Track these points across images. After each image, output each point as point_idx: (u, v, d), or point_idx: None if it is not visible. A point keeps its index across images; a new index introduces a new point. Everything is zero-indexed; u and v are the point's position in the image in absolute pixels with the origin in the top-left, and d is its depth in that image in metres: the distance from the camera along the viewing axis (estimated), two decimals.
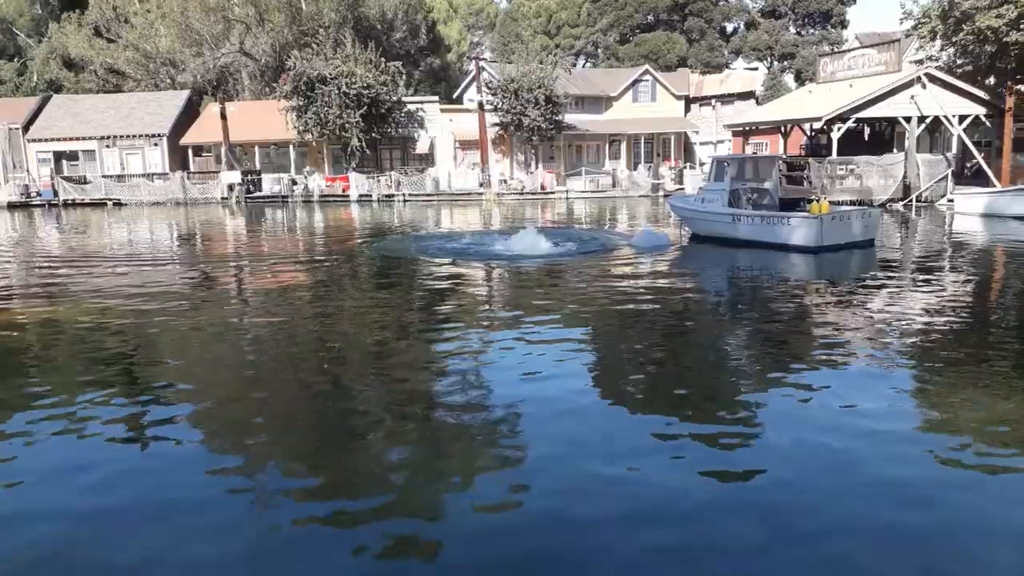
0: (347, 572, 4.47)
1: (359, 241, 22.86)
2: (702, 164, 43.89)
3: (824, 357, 8.78)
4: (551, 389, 7.58)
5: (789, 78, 61.92)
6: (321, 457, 6.15)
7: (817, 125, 34.61)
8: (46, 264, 19.16)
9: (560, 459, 5.89)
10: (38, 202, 41.35)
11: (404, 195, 40.25)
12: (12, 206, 40.65)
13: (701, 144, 49.45)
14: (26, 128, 46.04)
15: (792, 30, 70.80)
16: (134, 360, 9.22)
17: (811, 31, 70.23)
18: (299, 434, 6.66)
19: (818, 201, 18.10)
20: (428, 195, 40.72)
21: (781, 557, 4.54)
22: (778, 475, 5.55)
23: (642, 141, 47.52)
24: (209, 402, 7.55)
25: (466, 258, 17.49)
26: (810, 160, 32.21)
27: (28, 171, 45.29)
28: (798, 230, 17.37)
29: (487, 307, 12.55)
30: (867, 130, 38.52)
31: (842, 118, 31.00)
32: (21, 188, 42.46)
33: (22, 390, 7.95)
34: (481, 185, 41.75)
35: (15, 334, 10.89)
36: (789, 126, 37.14)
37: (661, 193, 38.76)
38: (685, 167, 44.45)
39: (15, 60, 59.66)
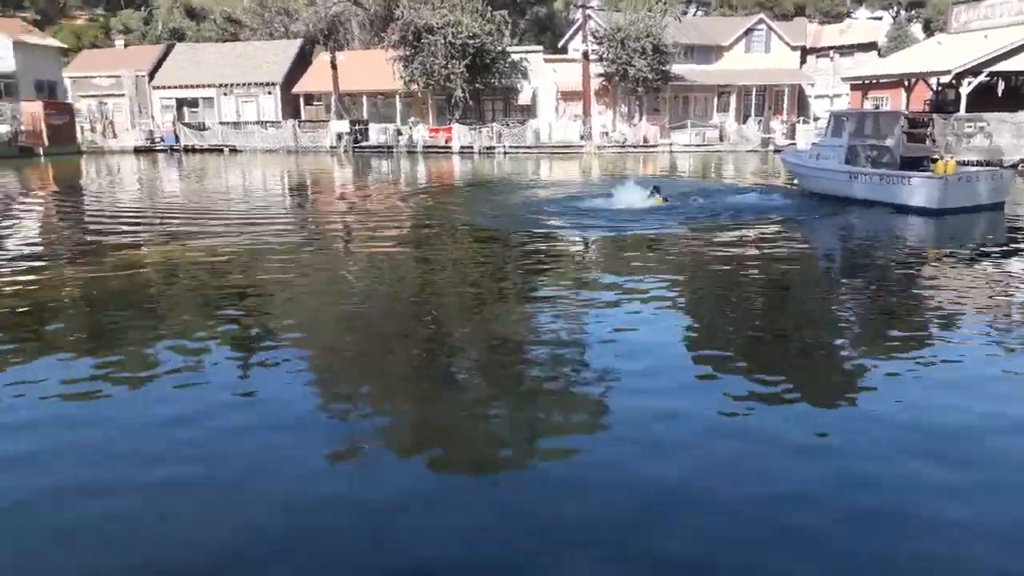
0: (439, 515, 4.63)
1: (463, 195, 23.11)
2: (816, 119, 41.98)
3: (937, 332, 8.39)
4: (646, 347, 7.57)
5: (916, 28, 58.03)
6: (414, 402, 6.35)
7: (945, 79, 32.37)
8: (169, 207, 20.32)
9: (649, 416, 5.90)
10: (161, 147, 43.61)
11: (505, 147, 40.29)
12: (138, 151, 43.04)
13: (816, 98, 47.23)
14: (151, 76, 48.38)
15: None
16: (242, 303, 9.64)
17: None
18: (395, 379, 6.89)
19: (943, 160, 17.07)
20: (528, 147, 40.64)
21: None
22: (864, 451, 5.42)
23: (753, 93, 45.73)
24: (310, 346, 7.86)
25: (570, 216, 17.38)
26: (934, 117, 30.36)
27: (152, 117, 47.74)
28: (920, 191, 16.46)
29: (586, 265, 12.56)
30: (1001, 85, 35.78)
31: (974, 71, 28.89)
32: (146, 133, 44.88)
33: (142, 325, 8.54)
34: (582, 137, 41.31)
35: (136, 273, 11.58)
36: (913, 80, 34.88)
37: (771, 148, 37.40)
38: (798, 121, 42.62)
39: (142, 9, 62.53)
